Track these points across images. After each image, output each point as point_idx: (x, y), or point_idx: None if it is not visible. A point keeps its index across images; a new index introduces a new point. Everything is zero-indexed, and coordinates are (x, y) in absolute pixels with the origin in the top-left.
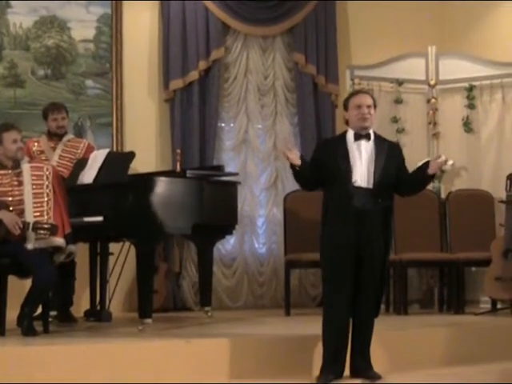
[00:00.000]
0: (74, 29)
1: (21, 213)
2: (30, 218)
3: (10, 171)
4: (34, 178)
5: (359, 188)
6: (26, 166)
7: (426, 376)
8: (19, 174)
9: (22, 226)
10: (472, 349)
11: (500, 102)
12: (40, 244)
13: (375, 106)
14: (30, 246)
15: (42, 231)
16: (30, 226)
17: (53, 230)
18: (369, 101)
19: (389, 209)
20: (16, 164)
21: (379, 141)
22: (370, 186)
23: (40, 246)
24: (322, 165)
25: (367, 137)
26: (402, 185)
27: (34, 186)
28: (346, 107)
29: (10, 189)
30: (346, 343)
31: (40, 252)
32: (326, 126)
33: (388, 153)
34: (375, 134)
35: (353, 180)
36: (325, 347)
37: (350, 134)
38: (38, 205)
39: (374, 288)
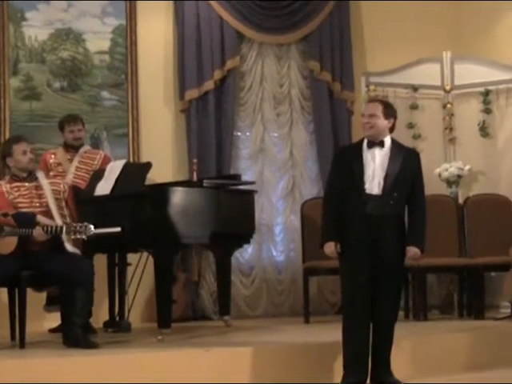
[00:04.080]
0: (89, 41)
1: None
2: (59, 221)
3: (26, 184)
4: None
5: (370, 195)
6: (41, 174)
7: (446, 382)
8: (38, 188)
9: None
10: (493, 354)
11: None
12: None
13: (388, 114)
14: (69, 247)
15: (77, 235)
16: (64, 229)
17: (87, 231)
18: (371, 110)
19: (402, 216)
20: (32, 177)
21: (396, 148)
22: (380, 193)
23: (75, 251)
24: (342, 174)
25: (381, 144)
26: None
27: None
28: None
29: (30, 200)
30: (367, 349)
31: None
32: (342, 133)
33: (404, 160)
34: (393, 141)
35: (364, 186)
36: (345, 353)
37: (365, 142)
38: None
39: (393, 293)
